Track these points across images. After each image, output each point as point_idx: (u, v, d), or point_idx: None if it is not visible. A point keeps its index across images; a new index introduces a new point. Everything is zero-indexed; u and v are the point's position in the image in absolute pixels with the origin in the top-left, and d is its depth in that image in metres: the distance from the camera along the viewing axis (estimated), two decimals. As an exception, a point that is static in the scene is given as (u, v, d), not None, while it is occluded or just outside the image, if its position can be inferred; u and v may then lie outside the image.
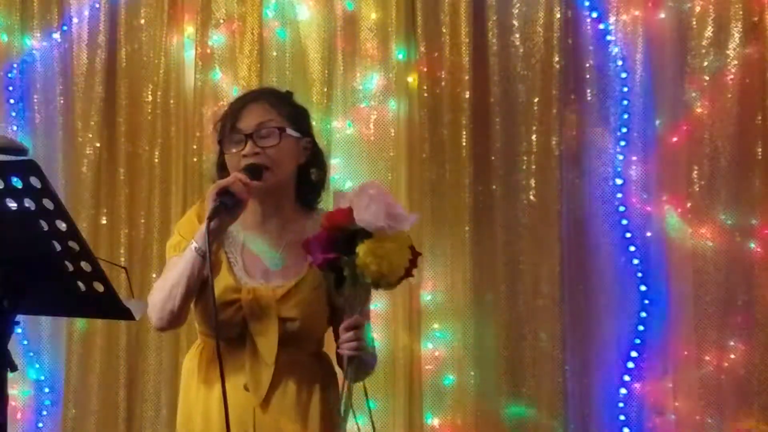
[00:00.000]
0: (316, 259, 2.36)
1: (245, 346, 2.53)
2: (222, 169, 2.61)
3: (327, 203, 2.71)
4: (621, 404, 4.00)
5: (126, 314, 2.00)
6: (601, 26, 4.11)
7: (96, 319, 4.00)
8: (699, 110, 4.04)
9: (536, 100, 4.09)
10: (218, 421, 2.50)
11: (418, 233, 4.07)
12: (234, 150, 2.55)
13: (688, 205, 4.02)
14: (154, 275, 4.07)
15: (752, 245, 3.99)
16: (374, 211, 2.28)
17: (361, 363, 2.47)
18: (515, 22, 4.13)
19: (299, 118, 2.65)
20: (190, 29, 4.29)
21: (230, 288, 2.55)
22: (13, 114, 4.35)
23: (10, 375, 1.94)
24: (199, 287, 2.48)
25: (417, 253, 2.41)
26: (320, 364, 2.63)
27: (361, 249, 2.30)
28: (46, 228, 1.84)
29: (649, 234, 4.04)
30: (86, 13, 4.33)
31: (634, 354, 4.01)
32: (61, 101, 4.33)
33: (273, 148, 2.53)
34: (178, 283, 2.46)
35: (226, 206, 2.41)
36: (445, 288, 4.08)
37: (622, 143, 4.07)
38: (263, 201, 2.58)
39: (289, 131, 2.56)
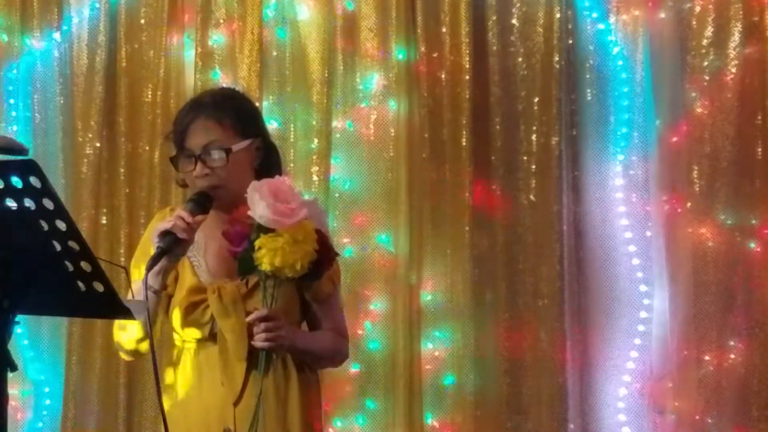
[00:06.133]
0: (230, 252, 2.45)
1: (217, 345, 2.56)
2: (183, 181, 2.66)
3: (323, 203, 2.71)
4: (621, 404, 4.00)
5: (126, 314, 1.99)
6: (601, 26, 4.11)
7: (96, 319, 3.99)
8: (699, 110, 4.04)
9: (536, 100, 4.09)
10: (197, 420, 2.55)
11: (418, 233, 4.08)
12: (186, 169, 2.58)
13: (688, 205, 4.02)
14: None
15: (752, 245, 3.99)
16: (263, 207, 2.35)
17: (312, 355, 2.60)
18: (515, 22, 4.12)
19: (246, 121, 2.63)
20: (190, 29, 4.28)
21: (195, 288, 2.59)
22: (13, 114, 4.34)
23: (10, 375, 1.93)
24: (156, 316, 2.54)
25: (326, 246, 2.45)
26: (296, 358, 2.61)
27: (258, 243, 2.37)
28: (46, 228, 1.84)
29: (649, 234, 4.04)
30: (86, 13, 4.32)
31: (634, 354, 4.00)
32: (61, 101, 4.32)
33: (222, 168, 2.54)
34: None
35: (166, 251, 2.43)
36: (445, 288, 4.08)
37: (622, 143, 4.07)
38: (223, 210, 2.57)
39: (237, 146, 2.56)
